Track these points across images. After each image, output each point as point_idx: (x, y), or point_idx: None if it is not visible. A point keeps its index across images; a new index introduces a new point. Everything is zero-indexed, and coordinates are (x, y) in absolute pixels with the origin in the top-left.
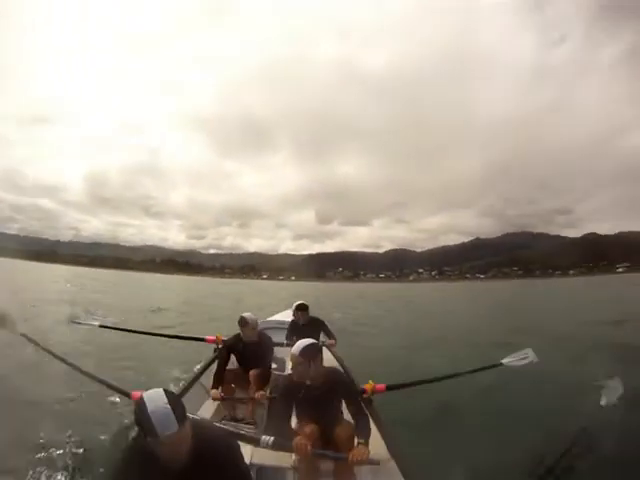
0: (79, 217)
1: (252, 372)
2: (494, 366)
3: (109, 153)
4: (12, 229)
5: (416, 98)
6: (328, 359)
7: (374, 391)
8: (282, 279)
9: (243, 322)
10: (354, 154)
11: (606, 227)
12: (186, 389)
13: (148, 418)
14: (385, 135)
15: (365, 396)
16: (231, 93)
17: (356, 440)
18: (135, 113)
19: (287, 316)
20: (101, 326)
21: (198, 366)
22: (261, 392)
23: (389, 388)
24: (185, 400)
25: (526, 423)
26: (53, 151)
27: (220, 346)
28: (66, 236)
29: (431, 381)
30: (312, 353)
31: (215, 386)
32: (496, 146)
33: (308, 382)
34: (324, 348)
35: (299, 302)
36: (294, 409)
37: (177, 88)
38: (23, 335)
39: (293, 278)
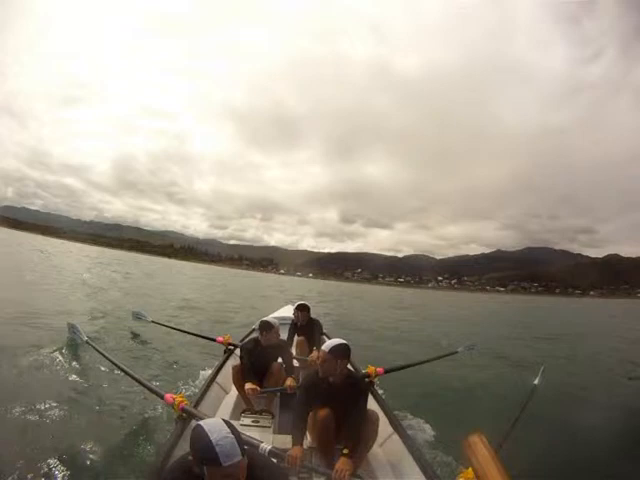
0: (103, 198)
1: (275, 364)
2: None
3: (137, 137)
4: (36, 205)
5: (445, 104)
6: None
7: (376, 374)
8: (300, 275)
9: (267, 327)
10: (381, 156)
11: (629, 250)
12: (206, 389)
13: (212, 447)
14: (412, 139)
15: (369, 380)
16: (262, 86)
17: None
18: (166, 99)
19: (287, 311)
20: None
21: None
22: (290, 380)
23: (387, 371)
24: (205, 399)
25: None
26: (82, 132)
27: (230, 347)
28: (88, 216)
29: (421, 363)
30: (341, 352)
31: (242, 383)
32: (521, 158)
33: (331, 379)
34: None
35: (300, 302)
36: (314, 402)
37: (208, 76)
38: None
39: (311, 275)
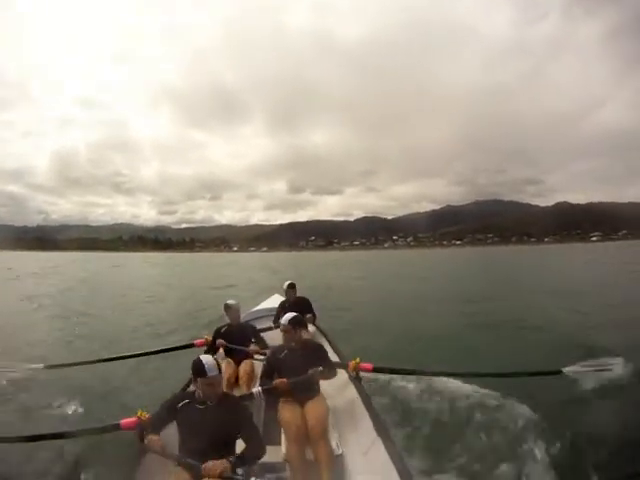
0: (48, 199)
1: (242, 367)
2: (550, 373)
3: (75, 131)
4: None
5: (388, 68)
6: (315, 333)
7: (357, 368)
8: (253, 250)
9: (226, 308)
10: (325, 123)
11: (576, 197)
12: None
13: (203, 364)
14: (356, 104)
15: (348, 372)
16: (200, 63)
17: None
18: (99, 87)
19: (273, 302)
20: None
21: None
22: (254, 345)
23: (376, 370)
24: None
25: None
26: (17, 134)
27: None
28: (35, 220)
29: (424, 374)
30: (297, 321)
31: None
32: (468, 116)
33: (293, 344)
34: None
35: (289, 282)
36: (276, 368)
37: (143, 59)
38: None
39: (265, 249)
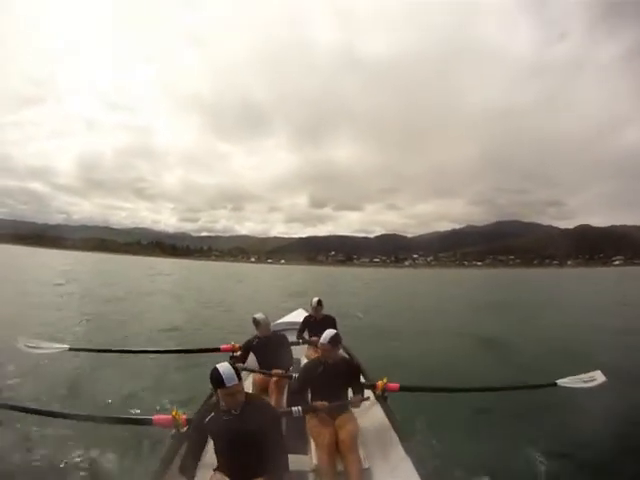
0: (70, 200)
1: (273, 380)
2: (543, 386)
3: (102, 135)
4: (0, 213)
5: (412, 86)
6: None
7: (385, 388)
8: (271, 262)
9: (256, 322)
10: (349, 139)
11: (597, 220)
12: (207, 400)
13: (220, 374)
14: (380, 121)
15: (376, 392)
16: (227, 74)
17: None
18: (129, 93)
19: (296, 317)
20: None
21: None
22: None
23: (403, 389)
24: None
25: None
26: (44, 133)
27: (237, 354)
28: (56, 220)
29: (450, 390)
30: (337, 340)
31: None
32: (490, 136)
33: (330, 361)
34: None
35: (317, 298)
36: (310, 386)
37: (173, 68)
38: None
39: (283, 261)
